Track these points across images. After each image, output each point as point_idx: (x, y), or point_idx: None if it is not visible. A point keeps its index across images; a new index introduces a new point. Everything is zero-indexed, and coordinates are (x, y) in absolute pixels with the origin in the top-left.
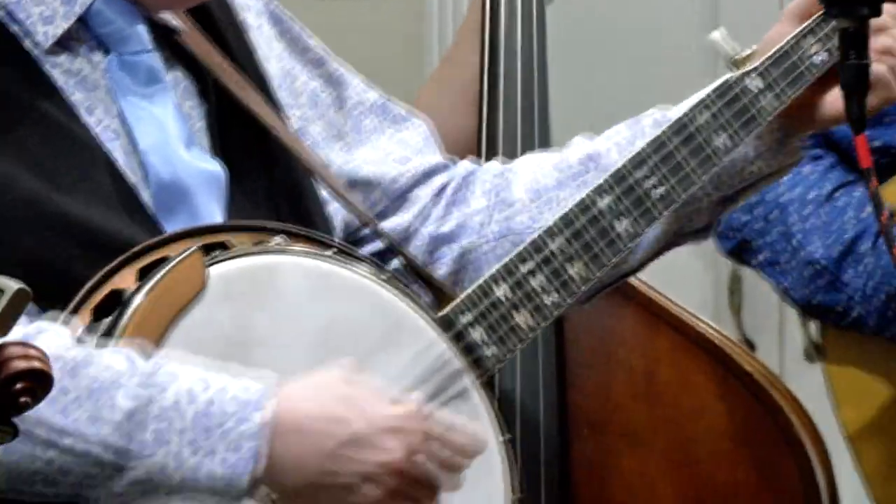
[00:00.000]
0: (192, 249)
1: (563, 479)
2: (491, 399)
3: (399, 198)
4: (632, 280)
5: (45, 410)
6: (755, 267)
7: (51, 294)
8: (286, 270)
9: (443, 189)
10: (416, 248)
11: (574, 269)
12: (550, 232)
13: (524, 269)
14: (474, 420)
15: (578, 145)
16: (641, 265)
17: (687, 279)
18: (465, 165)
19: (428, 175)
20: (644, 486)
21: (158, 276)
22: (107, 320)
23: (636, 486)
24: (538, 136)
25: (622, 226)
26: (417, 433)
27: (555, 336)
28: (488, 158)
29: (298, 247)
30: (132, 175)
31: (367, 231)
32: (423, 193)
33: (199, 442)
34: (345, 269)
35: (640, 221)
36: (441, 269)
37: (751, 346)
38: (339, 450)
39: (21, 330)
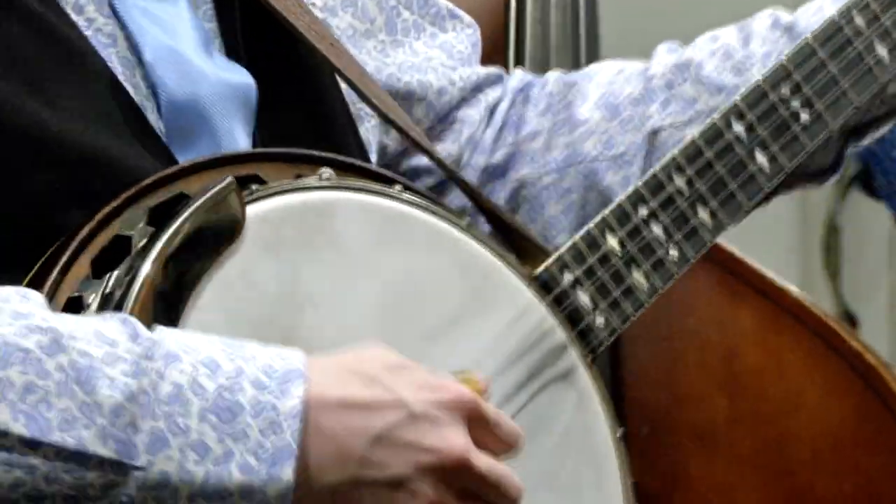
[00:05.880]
0: (226, 182)
1: None
2: (601, 382)
3: (445, 118)
4: None
5: (8, 412)
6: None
7: (35, 243)
8: (343, 211)
9: (495, 108)
10: None
11: (704, 214)
12: (671, 166)
13: (641, 213)
14: (582, 410)
15: (663, 54)
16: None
17: (765, 231)
18: (520, 77)
19: (477, 90)
20: (721, 499)
21: (179, 221)
22: (114, 275)
23: (710, 499)
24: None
25: (763, 158)
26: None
27: None
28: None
29: (354, 181)
30: (134, 91)
31: (410, 162)
32: (473, 113)
33: (214, 435)
34: (417, 210)
35: (785, 153)
36: None
37: (852, 321)
38: (393, 432)
39: None
